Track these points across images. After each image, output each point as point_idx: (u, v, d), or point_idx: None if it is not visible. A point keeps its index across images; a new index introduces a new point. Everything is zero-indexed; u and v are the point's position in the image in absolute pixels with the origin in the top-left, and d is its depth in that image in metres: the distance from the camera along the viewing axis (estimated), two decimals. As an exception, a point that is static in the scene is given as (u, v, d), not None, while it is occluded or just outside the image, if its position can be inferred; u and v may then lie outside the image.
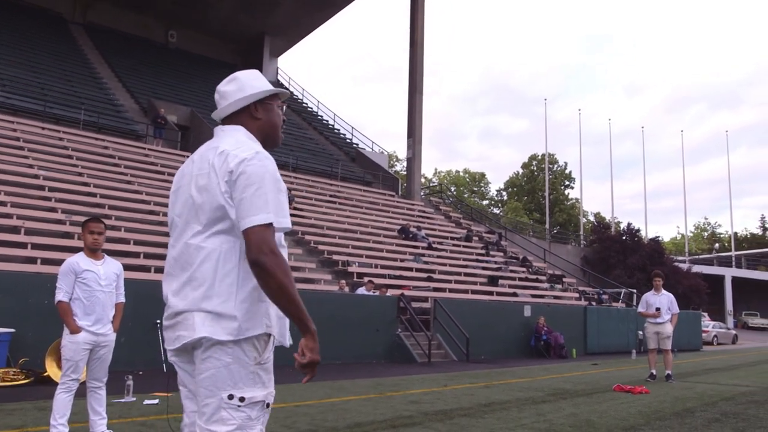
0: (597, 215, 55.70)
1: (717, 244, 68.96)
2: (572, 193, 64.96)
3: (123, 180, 17.60)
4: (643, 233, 39.27)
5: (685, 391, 9.07)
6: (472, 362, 14.26)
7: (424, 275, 18.97)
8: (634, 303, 25.06)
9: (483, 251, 24.25)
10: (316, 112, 37.90)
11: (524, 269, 23.99)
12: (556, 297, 22.16)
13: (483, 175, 72.97)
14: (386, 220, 23.23)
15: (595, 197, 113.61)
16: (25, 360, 8.60)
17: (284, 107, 2.27)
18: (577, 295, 23.16)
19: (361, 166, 30.44)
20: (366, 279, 15.74)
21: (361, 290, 14.78)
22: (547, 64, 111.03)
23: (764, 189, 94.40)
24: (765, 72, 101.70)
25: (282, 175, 2.01)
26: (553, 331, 17.23)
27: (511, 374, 11.62)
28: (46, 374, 8.11)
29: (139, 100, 26.89)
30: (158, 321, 10.06)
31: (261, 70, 34.74)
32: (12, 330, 8.64)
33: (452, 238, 24.53)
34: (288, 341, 2.04)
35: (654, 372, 10.58)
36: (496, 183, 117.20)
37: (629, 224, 37.37)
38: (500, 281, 20.95)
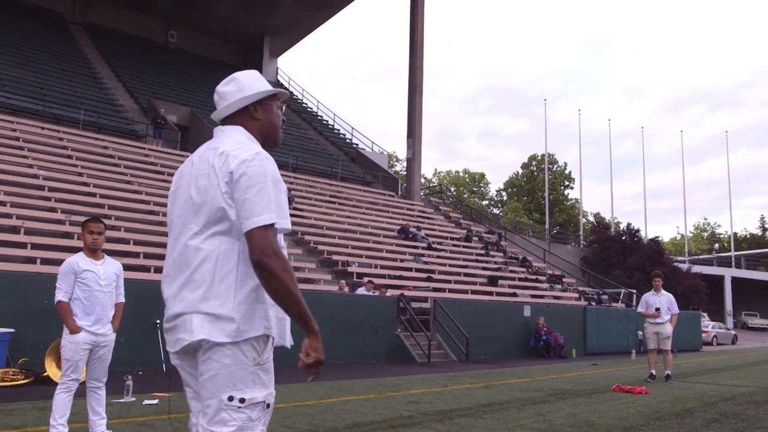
0: (597, 215, 55.78)
1: (716, 245, 68.97)
2: (572, 194, 65.06)
3: (123, 180, 17.60)
4: (642, 233, 39.30)
5: (685, 392, 9.07)
6: (471, 362, 14.26)
7: (424, 275, 18.97)
8: (634, 303, 25.06)
9: (483, 251, 24.26)
10: (316, 112, 37.90)
11: (524, 269, 24.00)
12: (555, 297, 22.16)
13: (483, 175, 73.05)
14: (386, 221, 23.24)
15: (594, 197, 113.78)
16: (25, 360, 8.60)
17: (283, 107, 2.27)
18: (576, 295, 23.17)
19: (361, 167, 30.44)
20: (366, 279, 15.74)
21: (361, 290, 14.78)
22: (547, 68, 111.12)
23: (764, 189, 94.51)
24: (765, 73, 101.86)
25: (282, 175, 2.01)
26: (552, 332, 17.23)
27: (511, 374, 11.62)
28: (45, 374, 8.11)
29: (138, 100, 26.89)
30: (158, 321, 10.07)
31: (261, 71, 34.81)
32: (12, 330, 8.64)
33: (452, 239, 24.53)
34: (289, 342, 2.04)
35: (653, 372, 10.59)
36: (495, 183, 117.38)
37: (629, 224, 37.40)
38: (500, 281, 20.95)
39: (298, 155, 27.04)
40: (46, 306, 8.48)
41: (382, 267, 18.43)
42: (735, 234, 60.58)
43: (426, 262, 20.12)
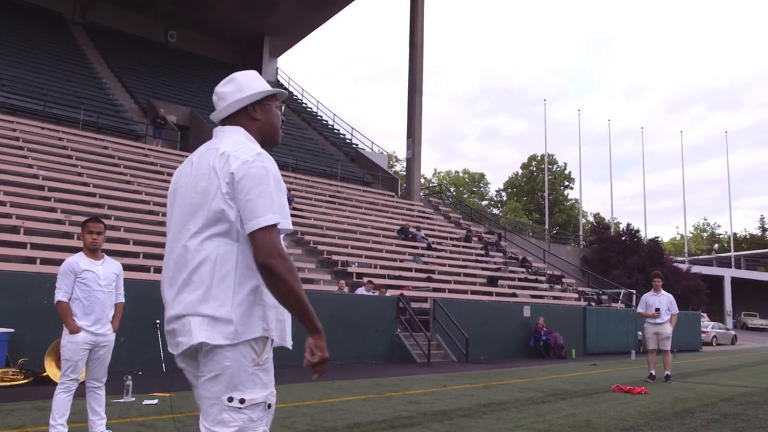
0: (596, 216, 55.77)
1: (716, 245, 68.99)
2: (572, 194, 65.06)
3: (122, 180, 17.60)
4: (642, 234, 39.32)
5: (685, 392, 9.07)
6: (471, 362, 14.26)
7: (424, 275, 18.97)
8: (634, 303, 25.06)
9: (482, 252, 24.26)
10: (316, 113, 37.90)
11: (524, 270, 24.00)
12: (555, 297, 22.16)
13: (482, 175, 73.07)
14: (386, 221, 23.24)
15: (594, 198, 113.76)
16: (25, 360, 8.60)
17: (282, 107, 2.27)
18: (576, 295, 23.17)
19: (361, 167, 30.44)
20: (365, 279, 15.75)
21: (361, 290, 14.78)
22: (546, 67, 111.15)
23: (763, 190, 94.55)
24: (765, 73, 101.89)
25: (282, 175, 2.01)
26: (552, 332, 17.23)
27: (511, 375, 11.62)
28: (45, 374, 8.11)
29: (138, 100, 26.89)
30: (158, 321, 10.07)
31: (261, 71, 34.86)
32: (11, 330, 8.65)
33: (452, 239, 24.53)
34: (289, 343, 2.04)
35: (653, 372, 10.59)
36: (495, 183, 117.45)
37: (629, 225, 37.40)
38: (499, 282, 20.95)
39: (297, 155, 27.04)
40: (45, 306, 8.48)
41: (382, 267, 18.43)
42: (735, 234, 60.61)
43: (426, 263, 20.12)
